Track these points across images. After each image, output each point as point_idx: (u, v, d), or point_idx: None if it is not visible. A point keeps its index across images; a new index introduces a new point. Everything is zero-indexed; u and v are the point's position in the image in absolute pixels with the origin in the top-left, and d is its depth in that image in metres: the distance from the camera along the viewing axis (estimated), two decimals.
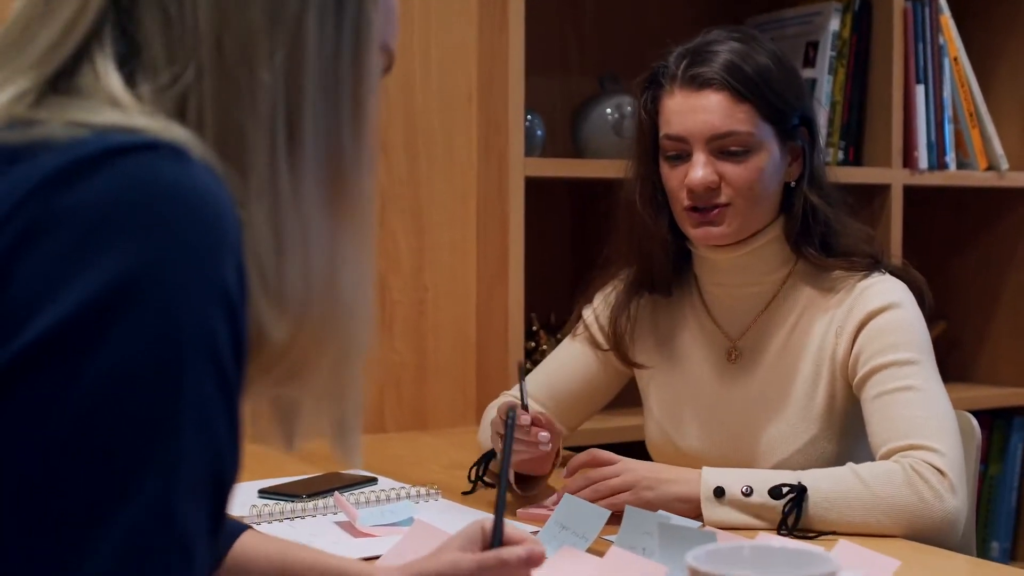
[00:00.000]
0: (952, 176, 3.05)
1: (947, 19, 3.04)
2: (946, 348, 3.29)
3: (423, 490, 1.93)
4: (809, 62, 2.95)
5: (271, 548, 1.26)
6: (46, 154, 0.79)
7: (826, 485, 1.72)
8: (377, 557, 1.56)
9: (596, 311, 2.11)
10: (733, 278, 1.99)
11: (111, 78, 0.85)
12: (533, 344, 2.78)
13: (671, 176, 1.93)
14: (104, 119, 0.82)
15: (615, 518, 1.64)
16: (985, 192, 3.18)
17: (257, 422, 0.93)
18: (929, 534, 1.71)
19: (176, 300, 0.76)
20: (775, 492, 1.71)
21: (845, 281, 1.92)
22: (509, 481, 1.84)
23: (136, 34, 0.87)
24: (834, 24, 2.92)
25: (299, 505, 1.82)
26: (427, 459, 2.27)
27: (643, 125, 1.98)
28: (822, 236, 1.93)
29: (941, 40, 3.02)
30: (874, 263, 1.94)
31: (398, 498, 1.89)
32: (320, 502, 1.84)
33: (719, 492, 1.72)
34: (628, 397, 2.21)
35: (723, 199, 1.89)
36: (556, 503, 1.72)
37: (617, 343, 2.07)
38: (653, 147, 1.97)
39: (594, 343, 2.11)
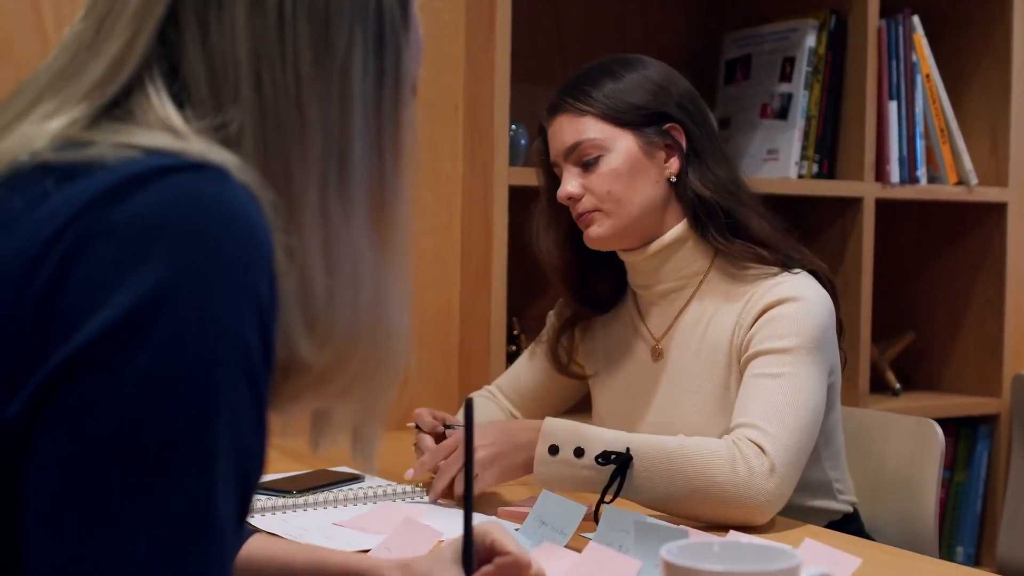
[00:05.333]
0: (922, 190, 3.13)
1: (920, 37, 3.11)
2: (914, 358, 3.38)
3: (409, 488, 2.00)
4: (785, 77, 3.03)
5: (279, 549, 1.32)
6: (99, 172, 0.84)
7: (654, 454, 1.80)
8: (366, 551, 1.63)
9: (552, 334, 2.28)
10: (649, 278, 2.12)
11: (165, 107, 0.91)
12: (514, 348, 2.85)
13: (558, 197, 2.10)
14: (153, 141, 0.87)
15: (592, 515, 1.72)
16: (954, 206, 3.26)
17: (289, 424, 1.00)
18: (735, 513, 1.78)
19: (213, 308, 0.82)
20: (603, 458, 1.80)
21: (756, 279, 2.02)
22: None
23: (183, 70, 0.92)
24: (810, 40, 2.99)
25: (290, 500, 1.90)
26: (412, 459, 2.33)
27: (542, 165, 2.17)
28: (728, 226, 2.04)
29: (914, 58, 3.10)
30: (787, 260, 2.02)
31: (384, 495, 1.96)
32: (310, 497, 1.91)
33: (553, 450, 1.83)
34: (583, 403, 2.33)
35: (589, 206, 2.05)
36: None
37: (557, 365, 2.26)
38: (556, 182, 2.13)
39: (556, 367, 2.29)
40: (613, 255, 2.14)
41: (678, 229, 2.06)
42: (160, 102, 0.91)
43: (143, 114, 0.90)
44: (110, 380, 0.79)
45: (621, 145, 2.04)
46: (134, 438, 0.79)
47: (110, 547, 0.78)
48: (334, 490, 1.97)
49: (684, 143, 2.06)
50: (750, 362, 1.94)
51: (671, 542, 1.16)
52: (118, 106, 0.91)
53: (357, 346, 0.95)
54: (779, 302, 1.96)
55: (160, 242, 0.81)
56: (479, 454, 1.84)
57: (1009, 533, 3.16)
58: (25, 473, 0.80)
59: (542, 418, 2.24)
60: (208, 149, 0.88)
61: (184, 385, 0.80)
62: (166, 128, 0.89)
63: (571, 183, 2.06)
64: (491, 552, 1.27)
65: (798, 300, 1.95)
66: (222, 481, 0.82)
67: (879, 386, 3.22)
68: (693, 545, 1.16)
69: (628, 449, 1.80)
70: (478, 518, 1.31)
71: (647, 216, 2.05)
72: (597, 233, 2.06)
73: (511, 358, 2.80)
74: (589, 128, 2.04)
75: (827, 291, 2.01)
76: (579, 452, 1.81)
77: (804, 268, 2.02)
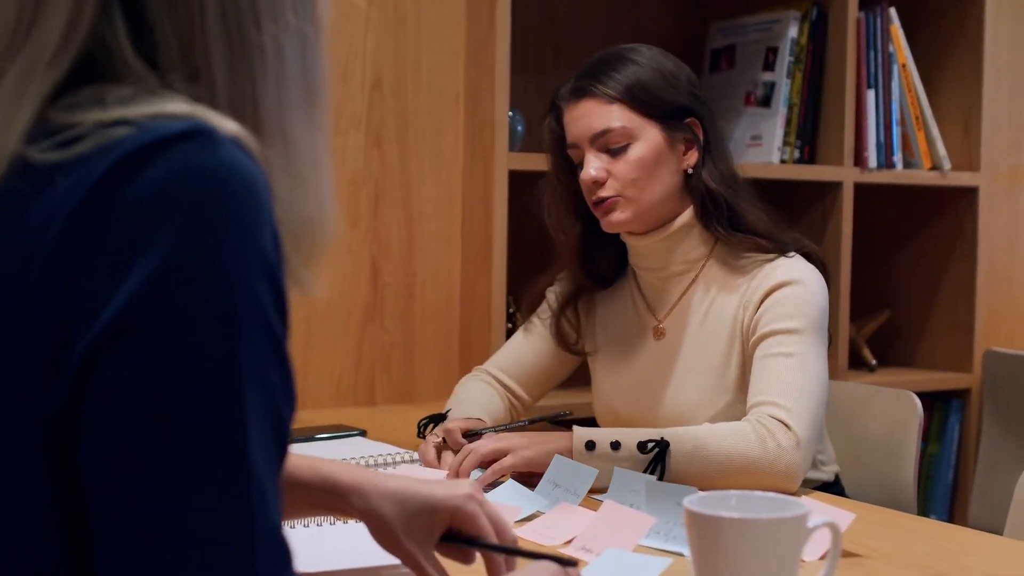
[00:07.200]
0: (899, 175, 3.24)
1: (897, 29, 3.23)
2: (890, 335, 3.51)
3: (416, 456, 2.12)
4: (769, 66, 3.14)
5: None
6: (96, 156, 0.87)
7: (687, 441, 1.90)
8: None
9: (554, 310, 2.36)
10: (656, 262, 2.21)
11: (133, 60, 0.92)
12: (510, 325, 2.97)
13: (581, 180, 2.17)
14: (138, 111, 0.89)
15: (601, 481, 1.84)
16: (929, 190, 3.37)
17: None
18: (770, 484, 1.88)
19: (225, 275, 0.85)
20: (641, 446, 1.89)
21: (755, 262, 2.13)
22: None
23: (143, 11, 0.93)
24: (792, 31, 3.11)
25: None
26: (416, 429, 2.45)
27: (554, 144, 2.24)
28: (729, 218, 2.15)
29: (891, 48, 3.22)
30: (783, 246, 2.13)
31: (402, 461, 2.08)
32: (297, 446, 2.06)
33: (590, 445, 1.90)
34: (581, 376, 2.44)
35: (613, 191, 2.13)
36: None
37: (561, 341, 2.34)
38: (567, 162, 2.22)
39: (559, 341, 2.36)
40: (616, 236, 2.24)
41: (685, 217, 2.16)
42: (130, 55, 0.92)
43: (115, 71, 0.92)
44: (135, 360, 0.84)
45: (648, 136, 2.12)
46: (168, 408, 0.83)
47: (156, 508, 0.83)
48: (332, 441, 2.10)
49: (702, 138, 2.16)
50: (760, 343, 2.04)
51: (686, 496, 1.29)
52: (90, 68, 0.92)
53: (305, 228, 0.99)
54: (782, 284, 2.06)
55: (165, 220, 0.84)
56: (514, 440, 1.92)
57: (979, 502, 3.30)
58: (77, 457, 0.85)
59: (541, 392, 2.38)
60: (191, 108, 0.90)
61: (208, 354, 0.85)
62: (143, 87, 0.91)
63: (595, 167, 2.13)
64: (464, 525, 1.31)
65: (799, 283, 2.06)
66: (257, 436, 0.86)
67: (856, 362, 3.34)
68: (712, 497, 1.29)
69: (663, 438, 1.91)
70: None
71: (663, 204, 2.14)
72: (619, 219, 2.14)
73: (508, 334, 2.92)
74: (619, 116, 2.12)
75: (820, 271, 2.12)
76: (616, 445, 1.90)
77: (798, 251, 2.13)
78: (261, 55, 0.96)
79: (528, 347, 2.38)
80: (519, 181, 2.85)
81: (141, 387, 0.84)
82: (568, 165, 2.22)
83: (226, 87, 0.94)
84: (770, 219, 2.17)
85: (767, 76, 3.14)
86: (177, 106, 0.90)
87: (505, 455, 1.90)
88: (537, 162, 2.84)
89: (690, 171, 2.16)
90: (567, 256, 2.29)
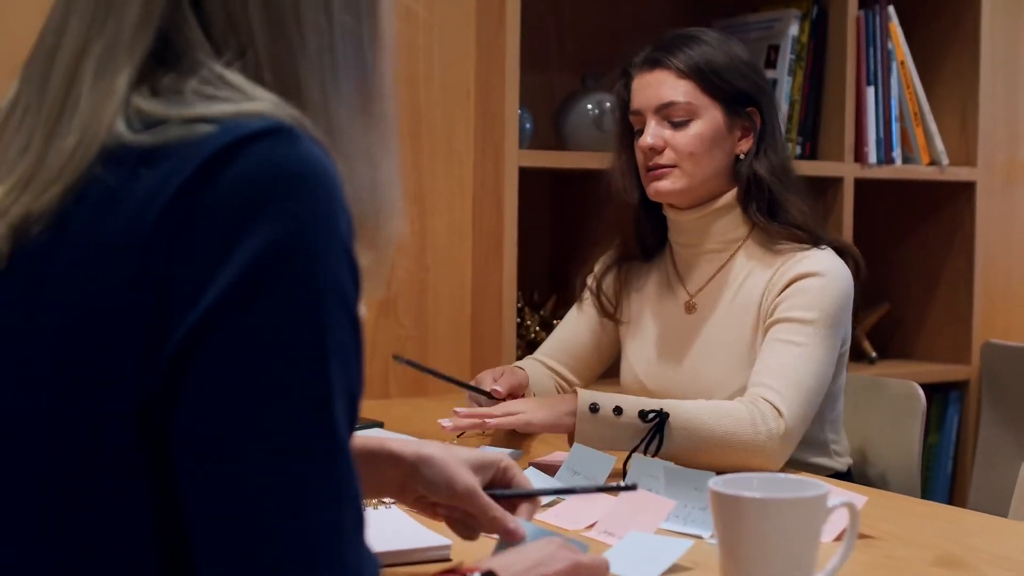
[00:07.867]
0: (898, 170, 3.29)
1: (895, 27, 3.29)
2: (889, 328, 3.56)
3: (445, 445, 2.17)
4: (770, 64, 3.19)
5: None
6: (184, 150, 0.92)
7: (684, 415, 1.97)
8: None
9: (596, 277, 2.44)
10: (693, 238, 2.28)
11: (207, 53, 0.98)
12: (519, 319, 3.03)
13: (637, 147, 2.25)
14: (220, 110, 0.94)
15: (602, 446, 1.90)
16: (927, 185, 3.43)
17: None
18: (754, 465, 1.96)
19: (313, 261, 0.91)
20: (642, 415, 1.97)
21: (788, 251, 2.19)
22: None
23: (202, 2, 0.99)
24: (793, 29, 3.16)
25: None
26: (431, 422, 2.50)
27: (620, 110, 2.32)
28: (769, 205, 2.22)
29: (890, 46, 3.27)
30: (818, 239, 2.20)
31: None
32: None
33: (594, 408, 1.98)
34: (617, 365, 2.48)
35: (669, 160, 2.21)
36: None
37: (602, 306, 2.41)
38: (629, 129, 2.29)
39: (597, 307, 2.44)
40: (661, 211, 2.31)
41: (728, 197, 2.23)
42: (201, 47, 0.97)
43: (192, 64, 0.97)
44: (233, 340, 0.89)
45: (710, 115, 2.20)
46: (266, 385, 0.89)
47: (260, 484, 0.89)
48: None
49: (759, 128, 2.24)
50: (773, 326, 2.11)
51: (707, 479, 1.35)
52: (165, 55, 0.97)
53: (359, 220, 1.01)
54: (807, 274, 2.13)
55: (256, 212, 0.90)
56: (521, 405, 2.02)
57: (979, 493, 3.34)
58: (168, 434, 0.91)
59: (590, 374, 2.46)
60: (269, 106, 0.95)
61: (300, 335, 0.90)
62: (218, 79, 0.96)
63: (654, 135, 2.20)
64: (504, 477, 1.40)
65: (823, 275, 2.13)
66: (340, 410, 0.92)
67: (856, 354, 3.35)
68: (736, 478, 1.34)
69: (662, 409, 1.98)
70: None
71: (710, 181, 2.22)
72: (667, 188, 2.21)
73: (518, 329, 2.98)
74: (687, 92, 2.20)
75: (852, 267, 2.18)
76: (618, 411, 1.97)
77: (832, 245, 2.19)
78: (302, 43, 1.00)
79: (572, 329, 2.46)
80: (528, 177, 2.91)
81: (240, 368, 0.89)
82: (631, 132, 2.29)
83: (269, 71, 0.99)
84: (811, 214, 2.24)
85: (769, 74, 3.18)
86: (256, 105, 0.95)
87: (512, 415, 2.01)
88: (546, 159, 2.91)
89: (741, 156, 2.23)
90: (625, 217, 2.35)
